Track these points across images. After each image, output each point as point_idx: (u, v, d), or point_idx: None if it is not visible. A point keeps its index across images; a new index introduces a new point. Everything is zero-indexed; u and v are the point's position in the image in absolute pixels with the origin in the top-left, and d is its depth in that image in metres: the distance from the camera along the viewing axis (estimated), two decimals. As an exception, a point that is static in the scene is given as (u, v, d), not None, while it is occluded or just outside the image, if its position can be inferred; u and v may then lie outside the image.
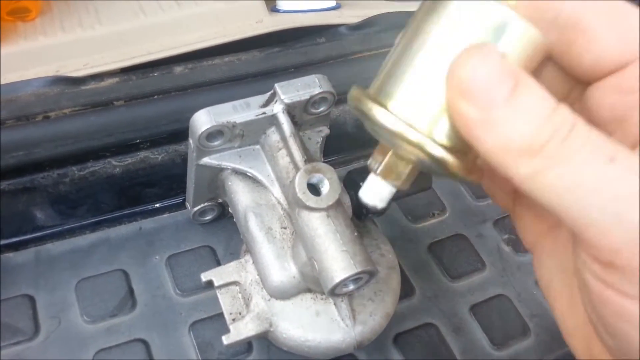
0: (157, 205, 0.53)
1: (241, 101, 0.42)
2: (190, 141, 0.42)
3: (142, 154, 0.52)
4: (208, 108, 0.41)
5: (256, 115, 0.42)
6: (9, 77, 0.53)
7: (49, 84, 0.51)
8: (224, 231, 0.52)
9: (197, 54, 0.56)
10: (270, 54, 0.57)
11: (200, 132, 0.40)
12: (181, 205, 0.53)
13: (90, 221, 0.52)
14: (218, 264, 0.50)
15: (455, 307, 0.50)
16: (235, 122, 0.41)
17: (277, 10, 0.64)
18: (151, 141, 0.51)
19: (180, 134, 0.51)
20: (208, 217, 0.52)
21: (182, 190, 0.51)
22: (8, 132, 0.47)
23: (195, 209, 0.50)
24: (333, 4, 0.64)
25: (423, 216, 0.56)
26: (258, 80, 0.54)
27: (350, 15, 0.62)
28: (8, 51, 0.55)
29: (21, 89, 0.50)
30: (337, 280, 0.35)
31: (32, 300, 0.46)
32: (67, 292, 0.47)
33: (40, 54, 0.55)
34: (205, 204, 0.50)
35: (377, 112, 0.24)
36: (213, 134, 0.41)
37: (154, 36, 0.57)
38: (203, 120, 0.40)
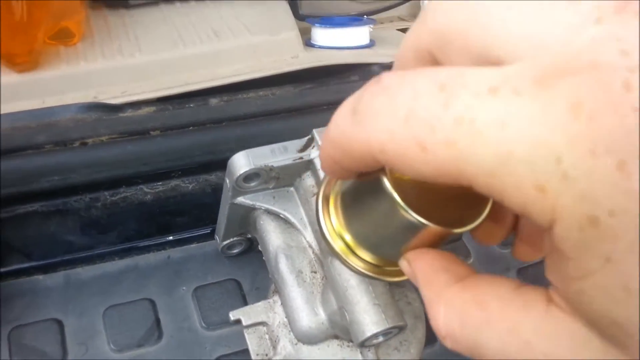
0: (186, 235, 0.54)
1: (279, 145, 0.42)
2: (227, 180, 0.43)
3: (173, 182, 0.52)
4: (247, 151, 0.41)
5: (293, 160, 0.42)
6: (48, 101, 0.54)
7: (87, 110, 0.52)
8: (250, 265, 0.52)
9: (233, 86, 0.57)
10: (304, 90, 0.57)
11: (238, 174, 0.41)
12: (209, 236, 0.54)
13: (119, 247, 0.52)
14: (244, 298, 0.50)
15: (476, 355, 0.50)
16: (272, 165, 0.42)
17: (312, 45, 0.64)
18: (182, 170, 0.52)
19: (212, 165, 0.52)
20: (236, 251, 0.52)
21: (210, 220, 0.51)
22: (46, 156, 0.48)
23: (225, 242, 0.50)
24: (367, 41, 0.65)
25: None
26: (291, 116, 0.54)
27: (383, 54, 0.63)
28: (49, 75, 0.56)
29: (60, 114, 0.51)
30: (369, 334, 0.36)
31: (60, 325, 0.47)
32: (95, 318, 0.48)
33: (80, 79, 0.56)
34: (235, 238, 0.50)
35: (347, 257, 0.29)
36: (250, 176, 0.42)
37: (192, 67, 0.58)
38: (242, 162, 0.41)
